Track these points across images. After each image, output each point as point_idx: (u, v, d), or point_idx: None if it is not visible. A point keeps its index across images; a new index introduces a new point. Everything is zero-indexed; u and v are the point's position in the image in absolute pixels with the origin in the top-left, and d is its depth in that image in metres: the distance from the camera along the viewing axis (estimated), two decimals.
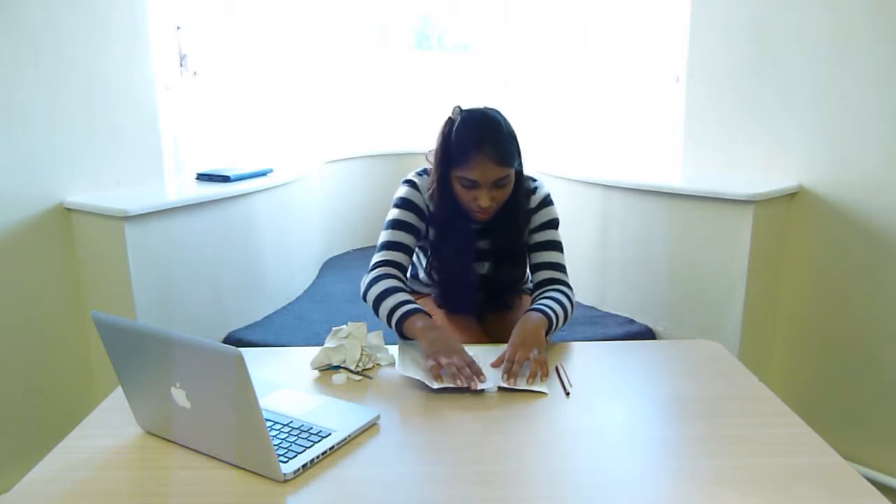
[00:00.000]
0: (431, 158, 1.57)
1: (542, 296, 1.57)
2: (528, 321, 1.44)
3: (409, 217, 1.59)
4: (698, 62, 2.34)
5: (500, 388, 1.27)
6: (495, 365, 1.35)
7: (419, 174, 1.64)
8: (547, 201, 1.65)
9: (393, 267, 1.56)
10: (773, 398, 1.24)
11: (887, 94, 1.89)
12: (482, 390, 1.27)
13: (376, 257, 1.58)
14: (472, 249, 1.64)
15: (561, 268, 1.63)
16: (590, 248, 2.55)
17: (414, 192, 1.61)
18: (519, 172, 1.55)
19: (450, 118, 1.53)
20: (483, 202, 1.48)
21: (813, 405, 2.14)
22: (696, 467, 1.02)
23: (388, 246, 1.58)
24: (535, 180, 1.65)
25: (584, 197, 2.57)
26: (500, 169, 1.47)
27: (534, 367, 1.31)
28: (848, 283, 2.04)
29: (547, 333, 1.47)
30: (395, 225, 1.59)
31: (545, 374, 1.32)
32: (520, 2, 3.35)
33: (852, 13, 1.94)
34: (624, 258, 2.45)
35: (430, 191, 1.58)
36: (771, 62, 2.14)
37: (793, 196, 2.13)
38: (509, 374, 1.30)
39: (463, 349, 1.35)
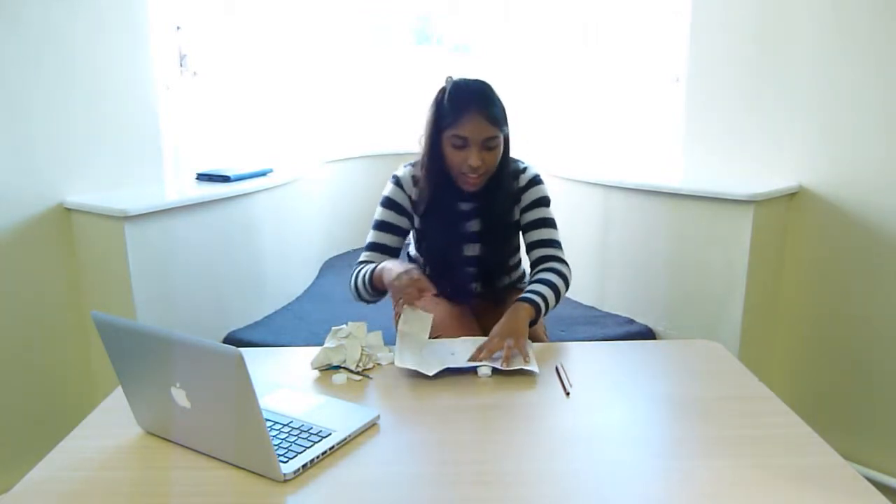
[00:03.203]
0: (421, 139, 1.63)
1: (533, 278, 1.61)
2: (513, 313, 1.48)
3: (392, 217, 1.66)
4: (698, 62, 2.34)
5: (494, 371, 1.34)
6: (474, 358, 1.38)
7: (405, 166, 1.69)
8: (537, 180, 1.68)
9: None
10: (773, 398, 1.24)
11: (888, 95, 1.89)
12: (474, 370, 1.34)
13: (361, 257, 1.68)
14: (461, 231, 1.67)
15: (554, 244, 1.66)
16: (590, 249, 2.55)
17: (396, 189, 1.66)
18: (507, 143, 1.60)
19: (442, 87, 1.58)
20: (473, 161, 1.51)
21: (813, 405, 2.14)
22: (695, 467, 1.02)
23: (371, 247, 1.68)
24: (522, 162, 1.69)
25: (584, 197, 2.57)
26: (490, 128, 1.52)
27: (506, 352, 1.36)
28: (848, 282, 2.04)
29: (536, 319, 1.52)
30: (379, 226, 1.67)
31: (526, 358, 1.36)
32: (520, 2, 3.35)
33: (853, 13, 1.94)
34: (624, 258, 2.45)
35: (420, 160, 1.62)
36: (771, 62, 2.14)
37: (793, 196, 2.13)
38: (486, 357, 1.37)
39: (414, 268, 1.45)
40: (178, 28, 2.53)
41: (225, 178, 2.35)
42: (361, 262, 1.65)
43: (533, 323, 1.50)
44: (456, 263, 1.69)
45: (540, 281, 1.57)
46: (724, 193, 2.07)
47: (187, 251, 2.12)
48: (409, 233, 1.70)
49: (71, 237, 2.03)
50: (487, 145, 1.53)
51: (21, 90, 1.88)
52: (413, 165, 1.67)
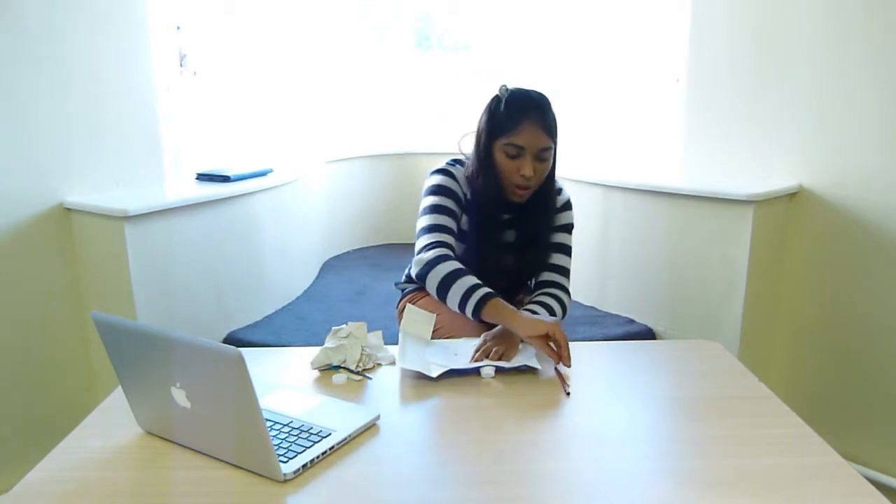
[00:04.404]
0: (465, 145, 1.63)
1: (536, 298, 1.63)
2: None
3: (448, 202, 1.61)
4: (698, 62, 2.34)
5: (498, 370, 1.33)
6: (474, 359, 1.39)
7: (451, 164, 1.67)
8: (569, 205, 1.73)
9: (448, 248, 1.55)
10: (773, 398, 1.24)
11: (887, 95, 1.89)
12: (477, 370, 1.33)
13: (426, 239, 1.56)
14: (498, 240, 1.67)
15: (565, 272, 1.70)
16: (590, 248, 2.55)
17: (449, 179, 1.63)
18: (555, 156, 1.62)
19: (496, 96, 1.59)
20: (527, 171, 1.52)
21: (813, 405, 2.14)
22: (695, 467, 1.02)
23: (435, 228, 1.57)
24: (558, 182, 1.72)
25: (584, 197, 2.57)
26: (546, 138, 1.54)
27: (494, 356, 1.36)
28: (847, 282, 2.04)
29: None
30: (437, 209, 1.59)
31: (506, 358, 1.36)
32: (520, 2, 3.35)
33: (852, 13, 1.94)
34: (624, 258, 2.45)
35: (471, 170, 1.61)
36: (771, 62, 2.14)
37: (793, 196, 2.13)
38: (481, 357, 1.36)
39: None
40: (178, 28, 2.53)
41: (225, 178, 2.35)
42: (438, 248, 1.52)
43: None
44: (487, 270, 1.60)
45: (541, 304, 1.60)
46: (724, 193, 2.07)
47: (187, 251, 2.12)
48: (459, 222, 1.63)
49: (71, 237, 2.03)
50: (541, 156, 1.54)
51: (21, 90, 1.88)
52: (460, 164, 1.66)
